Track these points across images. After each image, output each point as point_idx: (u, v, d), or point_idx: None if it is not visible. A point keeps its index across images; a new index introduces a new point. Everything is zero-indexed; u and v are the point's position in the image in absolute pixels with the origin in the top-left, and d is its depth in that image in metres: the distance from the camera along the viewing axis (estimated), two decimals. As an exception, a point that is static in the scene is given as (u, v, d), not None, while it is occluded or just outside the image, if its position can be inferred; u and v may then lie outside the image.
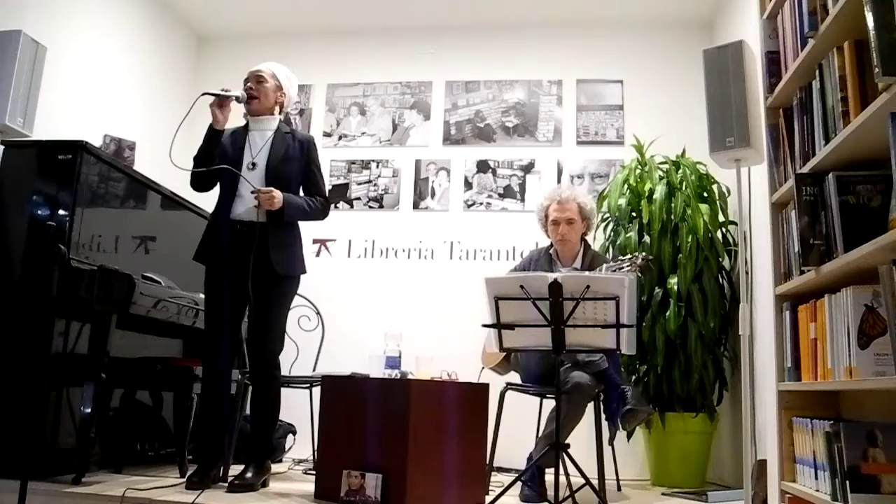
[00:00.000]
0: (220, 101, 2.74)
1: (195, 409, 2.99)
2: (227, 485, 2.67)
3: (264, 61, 3.00)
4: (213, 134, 2.75)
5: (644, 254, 2.81)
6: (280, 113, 2.93)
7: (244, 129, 2.88)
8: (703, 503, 2.93)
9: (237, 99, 2.78)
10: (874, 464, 1.74)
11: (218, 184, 2.84)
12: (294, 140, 2.89)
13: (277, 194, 2.69)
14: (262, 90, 2.85)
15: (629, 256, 2.82)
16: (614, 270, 2.75)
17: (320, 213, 2.90)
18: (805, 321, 2.07)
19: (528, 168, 4.38)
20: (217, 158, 2.74)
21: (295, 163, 2.85)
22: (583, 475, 2.45)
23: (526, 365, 3.07)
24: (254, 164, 2.77)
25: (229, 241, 2.73)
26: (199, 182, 2.83)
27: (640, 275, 2.80)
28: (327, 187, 4.49)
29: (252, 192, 2.69)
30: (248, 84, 2.84)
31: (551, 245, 3.19)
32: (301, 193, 2.90)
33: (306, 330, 3.69)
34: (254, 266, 2.70)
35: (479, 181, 4.41)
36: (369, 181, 4.51)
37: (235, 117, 2.86)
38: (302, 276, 2.92)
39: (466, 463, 2.64)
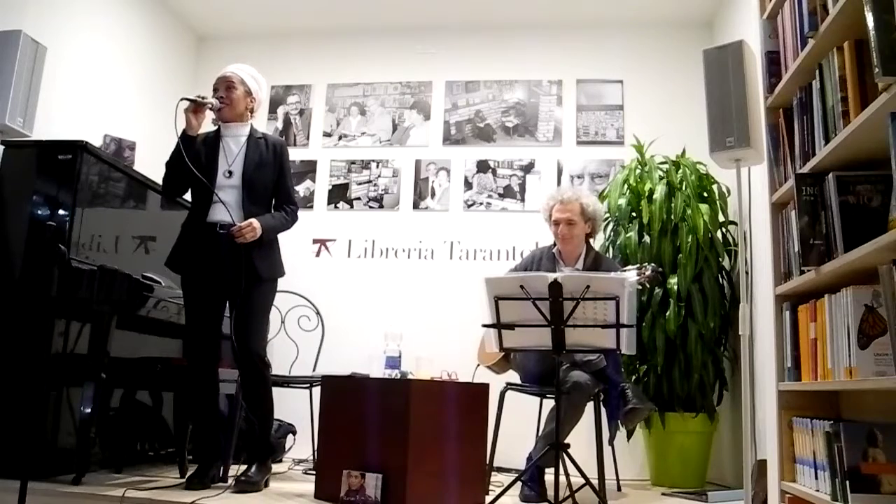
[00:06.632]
0: (196, 108, 2.71)
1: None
2: (225, 485, 2.68)
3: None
4: (187, 140, 2.72)
5: (654, 265, 2.81)
6: (251, 118, 2.92)
7: (216, 135, 2.85)
8: (703, 503, 2.93)
9: (211, 107, 2.75)
10: (874, 464, 1.74)
11: (190, 189, 2.82)
12: (267, 145, 2.88)
13: (256, 224, 2.68)
14: (233, 98, 2.81)
15: (639, 266, 2.82)
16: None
17: (290, 224, 2.91)
18: (805, 321, 2.07)
19: (528, 168, 4.38)
20: (188, 168, 2.69)
21: (269, 168, 2.85)
22: (583, 475, 2.45)
23: (525, 365, 3.07)
24: (230, 173, 2.77)
25: (208, 245, 2.72)
26: (172, 188, 2.81)
27: (647, 285, 2.80)
28: (327, 188, 4.51)
29: (233, 230, 2.66)
30: (219, 93, 2.81)
31: (555, 244, 3.19)
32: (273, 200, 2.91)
33: (306, 330, 3.69)
34: (238, 270, 2.70)
35: (479, 181, 4.41)
36: (369, 181, 4.51)
37: (205, 123, 2.83)
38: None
39: (466, 463, 2.64)
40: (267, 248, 2.80)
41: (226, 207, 2.69)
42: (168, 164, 2.77)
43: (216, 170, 2.76)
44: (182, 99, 2.70)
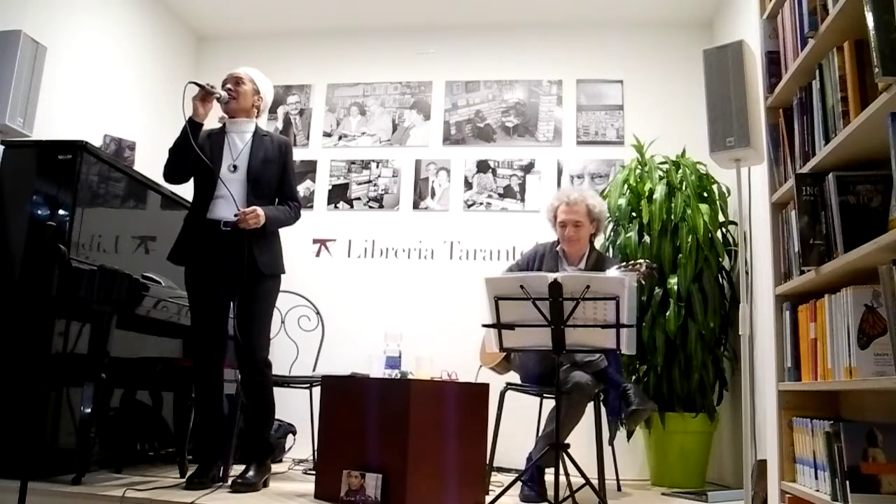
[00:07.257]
0: (204, 96, 2.74)
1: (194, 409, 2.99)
2: (225, 485, 2.68)
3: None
4: (193, 126, 2.73)
5: (648, 261, 2.83)
6: (257, 116, 2.94)
7: (221, 131, 2.87)
8: (703, 503, 2.93)
9: (218, 98, 2.77)
10: (874, 464, 1.74)
11: (192, 179, 2.83)
12: (272, 142, 2.90)
13: (260, 212, 2.70)
14: (240, 92, 2.84)
15: (634, 262, 2.83)
16: (624, 272, 2.76)
17: (294, 219, 2.92)
18: (805, 321, 2.07)
19: (528, 168, 4.38)
20: (193, 153, 2.70)
21: (273, 165, 2.87)
22: (583, 475, 2.45)
23: (525, 365, 3.06)
24: (235, 167, 2.78)
25: (210, 242, 2.72)
26: (174, 174, 2.81)
27: (642, 282, 2.81)
28: (327, 188, 4.51)
29: (235, 216, 2.69)
30: (228, 85, 2.85)
31: (558, 242, 3.18)
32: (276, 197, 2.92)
33: (306, 330, 3.70)
34: (239, 266, 2.70)
35: (479, 181, 4.41)
36: (369, 181, 4.51)
37: (211, 119, 2.84)
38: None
39: (466, 463, 2.64)
40: (268, 242, 2.81)
41: (232, 198, 2.71)
42: (171, 150, 2.77)
43: (220, 164, 2.77)
44: (190, 83, 2.71)
